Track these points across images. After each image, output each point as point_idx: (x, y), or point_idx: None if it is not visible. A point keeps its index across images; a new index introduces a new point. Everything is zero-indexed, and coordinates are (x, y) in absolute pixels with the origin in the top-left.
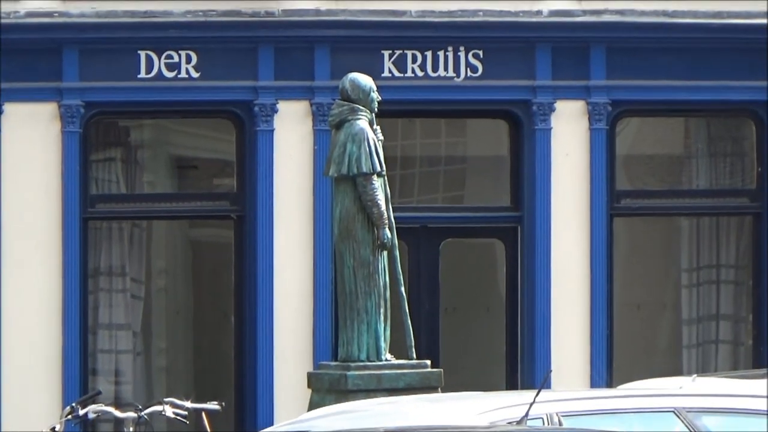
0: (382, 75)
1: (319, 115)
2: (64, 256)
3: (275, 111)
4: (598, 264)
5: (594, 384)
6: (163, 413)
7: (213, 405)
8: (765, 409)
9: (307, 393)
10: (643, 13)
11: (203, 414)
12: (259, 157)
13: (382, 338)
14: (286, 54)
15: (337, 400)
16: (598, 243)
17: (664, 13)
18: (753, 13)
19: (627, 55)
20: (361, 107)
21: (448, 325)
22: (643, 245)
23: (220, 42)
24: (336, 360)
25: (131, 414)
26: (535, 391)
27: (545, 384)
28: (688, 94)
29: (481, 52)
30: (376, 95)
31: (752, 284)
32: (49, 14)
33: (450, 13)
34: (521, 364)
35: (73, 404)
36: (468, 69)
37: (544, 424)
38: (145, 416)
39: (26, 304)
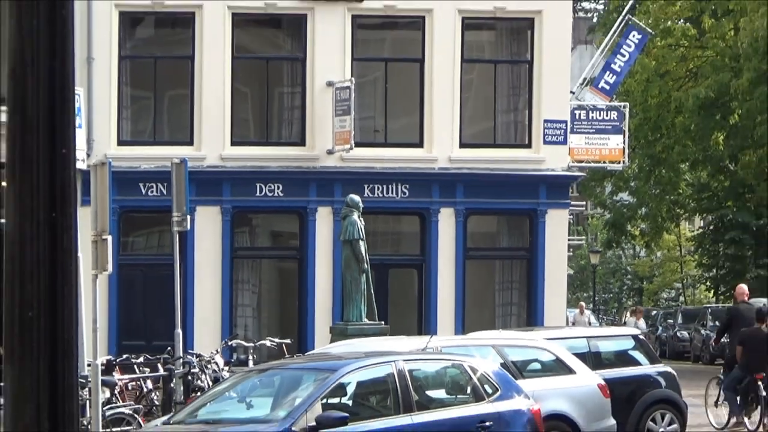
0: (364, 196)
1: (336, 213)
2: (222, 274)
3: (316, 211)
4: (458, 282)
5: (456, 333)
6: (266, 344)
7: (288, 341)
8: (536, 345)
9: (329, 336)
10: (485, 166)
11: (283, 345)
12: (309, 232)
13: (363, 311)
14: (321, 185)
15: (343, 339)
16: (459, 271)
17: (485, 160)
18: (531, 159)
19: (473, 186)
20: (355, 209)
21: (393, 309)
22: (480, 272)
23: (293, 180)
24: (342, 321)
25: (250, 344)
26: (429, 337)
27: (432, 334)
28: (496, 204)
29: (407, 186)
30: (361, 204)
31: (527, 291)
32: (215, 166)
33: (393, 168)
34: (422, 327)
35: (225, 339)
36: (401, 194)
37: (434, 350)
38: (257, 345)
39: (206, 295)
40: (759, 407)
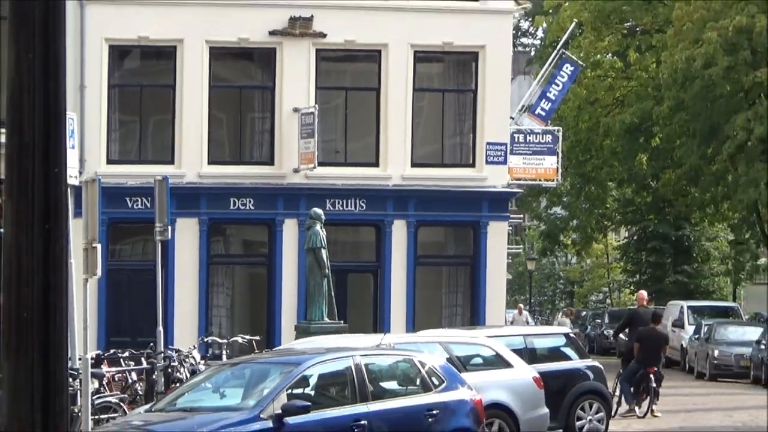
0: (326, 209)
1: (301, 224)
2: (199, 278)
3: (283, 223)
4: (410, 286)
5: (407, 331)
6: (238, 341)
7: (257, 338)
8: (478, 342)
9: (293, 334)
10: (434, 183)
11: (253, 341)
12: (277, 241)
13: (325, 312)
14: (288, 199)
15: (306, 336)
16: (410, 277)
17: (434, 178)
18: (475, 177)
19: (423, 201)
20: (318, 221)
21: (351, 309)
22: (429, 277)
23: (263, 196)
24: (306, 320)
25: (224, 340)
26: (383, 334)
27: (386, 332)
28: (443, 217)
29: (364, 201)
30: (323, 216)
31: (470, 294)
32: (193, 182)
33: (352, 185)
34: (377, 326)
35: (201, 336)
36: (359, 207)
37: (387, 346)
38: (230, 342)
39: (185, 297)
40: (648, 397)
